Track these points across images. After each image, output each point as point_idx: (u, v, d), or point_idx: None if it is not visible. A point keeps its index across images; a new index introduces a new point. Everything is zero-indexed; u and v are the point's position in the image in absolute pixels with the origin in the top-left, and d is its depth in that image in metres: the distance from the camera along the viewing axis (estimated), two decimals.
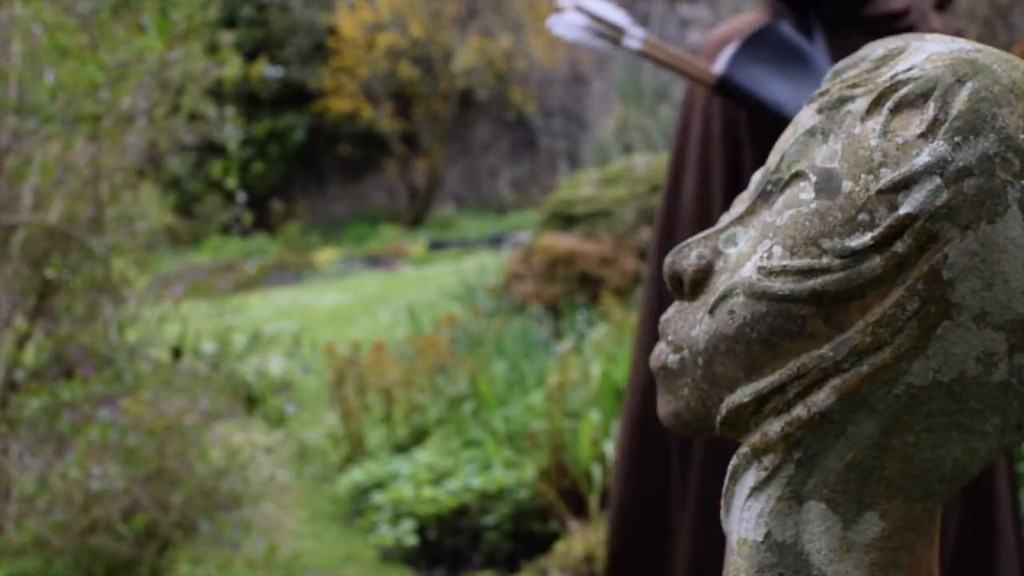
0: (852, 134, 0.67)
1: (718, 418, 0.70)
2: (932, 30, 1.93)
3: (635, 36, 1.83)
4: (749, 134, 1.91)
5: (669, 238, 2.02)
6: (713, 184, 1.97)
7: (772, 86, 1.80)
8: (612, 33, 1.81)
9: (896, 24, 1.90)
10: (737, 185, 1.93)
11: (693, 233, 1.83)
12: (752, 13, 1.96)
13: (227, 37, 3.16)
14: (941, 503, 0.67)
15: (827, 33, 1.89)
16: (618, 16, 1.82)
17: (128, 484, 2.79)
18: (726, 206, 1.84)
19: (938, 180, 0.63)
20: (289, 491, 4.37)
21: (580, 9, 1.80)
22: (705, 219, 1.94)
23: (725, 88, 1.83)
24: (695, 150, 1.98)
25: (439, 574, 3.74)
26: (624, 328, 5.32)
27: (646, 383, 2.04)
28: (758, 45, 1.81)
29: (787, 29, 1.83)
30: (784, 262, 0.66)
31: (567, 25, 1.82)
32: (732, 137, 1.95)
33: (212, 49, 3.36)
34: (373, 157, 14.90)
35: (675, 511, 2.06)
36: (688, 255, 0.73)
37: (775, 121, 1.79)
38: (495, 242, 11.23)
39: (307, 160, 14.82)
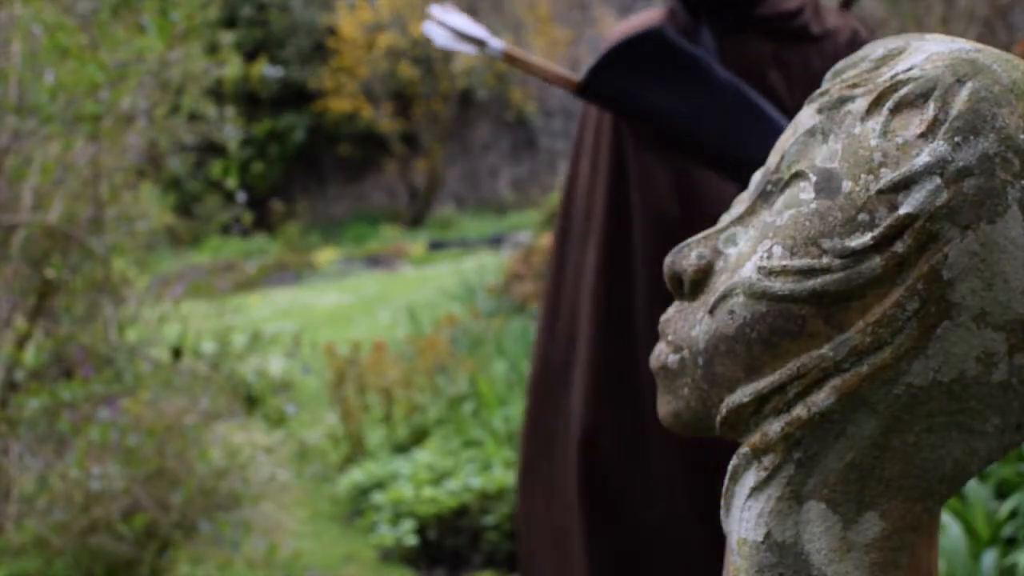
0: (852, 134, 0.67)
1: (718, 418, 0.70)
2: (827, 29, 1.92)
3: (495, 44, 1.85)
4: (632, 139, 1.90)
5: (563, 243, 2.04)
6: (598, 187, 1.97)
7: (653, 91, 1.75)
8: (474, 42, 1.86)
9: (789, 24, 1.88)
10: (622, 188, 1.93)
11: (583, 233, 1.97)
12: (654, 10, 1.91)
13: (227, 37, 3.15)
14: (941, 503, 0.67)
15: (721, 35, 1.86)
16: (476, 29, 1.86)
17: (128, 484, 2.79)
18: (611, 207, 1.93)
19: (938, 180, 0.63)
20: (289, 491, 4.37)
21: (442, 24, 1.86)
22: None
23: (588, 93, 1.80)
24: (587, 157, 1.99)
25: (439, 574, 3.74)
26: None
27: (542, 354, 2.08)
28: (637, 50, 1.74)
29: (673, 33, 1.76)
30: (784, 262, 0.66)
31: (436, 33, 1.88)
32: (619, 146, 1.93)
33: (212, 49, 3.36)
34: (373, 157, 14.90)
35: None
36: (688, 255, 0.72)
37: (651, 125, 1.79)
38: (495, 242, 11.24)
39: (307, 160, 14.82)
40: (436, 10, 1.87)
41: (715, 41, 1.83)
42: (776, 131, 1.68)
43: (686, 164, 1.87)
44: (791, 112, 1.78)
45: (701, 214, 1.77)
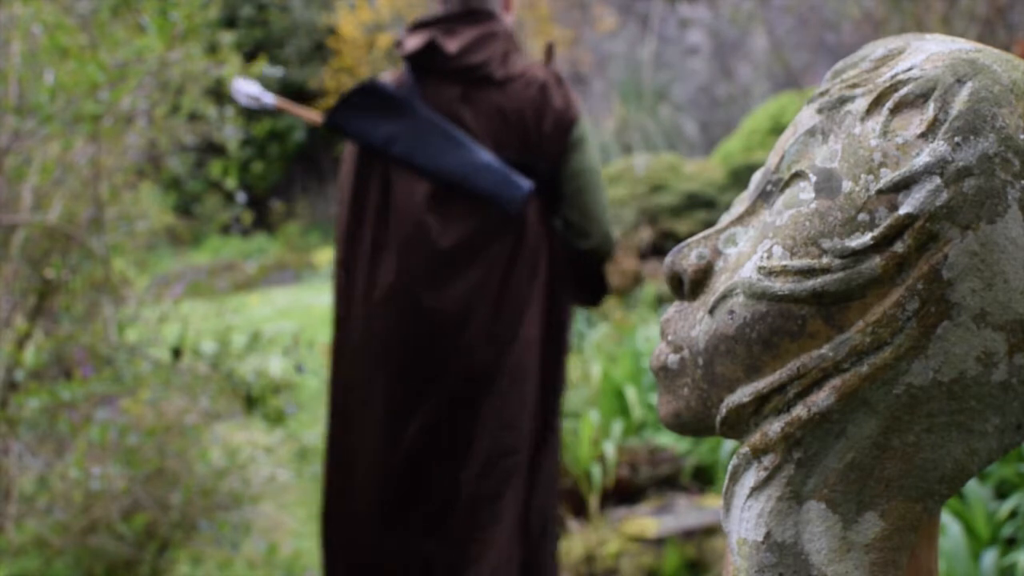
0: (852, 134, 0.67)
1: (718, 418, 0.69)
2: (511, 74, 2.50)
3: (269, 98, 2.88)
4: (363, 156, 2.54)
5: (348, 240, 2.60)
6: (348, 196, 2.57)
7: (372, 125, 2.47)
8: (256, 100, 2.88)
9: (475, 72, 2.48)
10: (364, 195, 2.53)
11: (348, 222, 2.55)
12: (393, 71, 2.64)
13: (227, 37, 3.16)
14: (941, 503, 0.67)
15: (427, 82, 2.50)
16: (256, 89, 2.89)
17: (128, 484, 2.79)
18: (354, 211, 2.53)
19: (938, 180, 0.63)
20: (289, 491, 4.37)
21: (241, 92, 2.88)
22: (351, 220, 2.56)
23: (330, 127, 2.52)
24: (348, 175, 2.59)
25: None
26: (624, 328, 5.32)
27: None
28: (358, 98, 2.49)
29: (384, 84, 2.50)
30: (784, 262, 0.66)
31: (239, 95, 2.90)
32: (363, 163, 2.57)
33: (212, 49, 3.36)
34: None
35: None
36: (688, 255, 0.72)
37: (378, 149, 2.47)
38: None
39: (307, 160, 14.82)
40: (238, 81, 2.92)
41: (419, 87, 2.49)
42: (462, 147, 2.41)
43: (400, 169, 2.49)
44: (478, 135, 2.46)
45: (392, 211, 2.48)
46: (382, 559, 2.47)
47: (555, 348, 2.54)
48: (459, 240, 2.44)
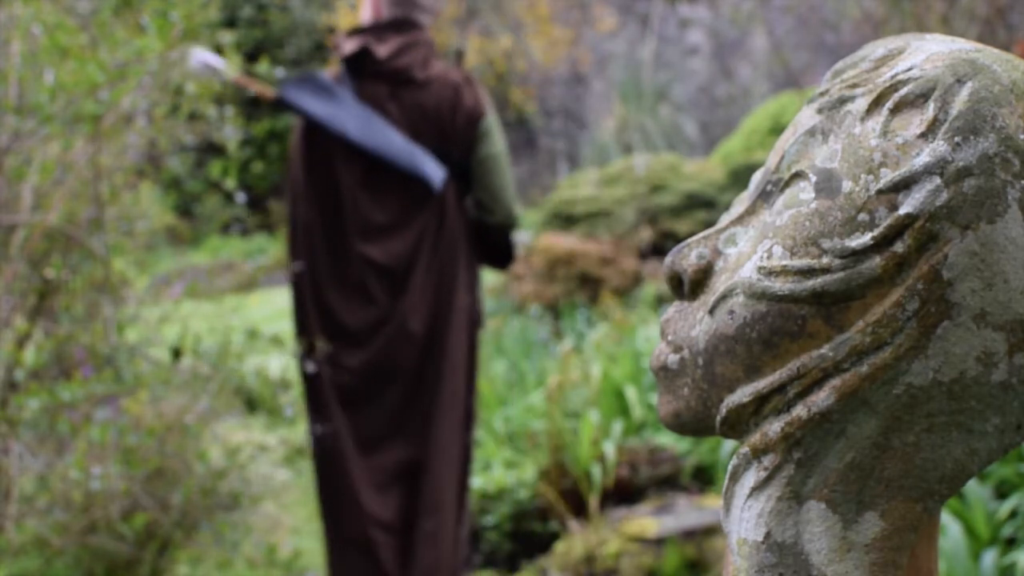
0: (852, 134, 0.67)
1: (718, 418, 0.69)
2: (431, 76, 2.94)
3: (227, 70, 3.02)
4: (308, 137, 2.98)
5: (293, 227, 3.01)
6: (299, 175, 3.00)
7: (317, 104, 2.90)
8: (213, 71, 2.99)
9: (400, 75, 2.92)
10: (312, 171, 2.97)
11: (306, 198, 2.97)
12: (332, 70, 3.05)
13: (227, 37, 3.17)
14: (941, 503, 0.67)
15: (361, 81, 2.93)
16: (216, 60, 3.01)
17: (128, 484, 2.79)
18: (310, 186, 2.96)
19: (938, 180, 0.63)
20: (289, 491, 4.37)
21: (198, 61, 2.98)
22: (296, 199, 3.00)
23: (281, 102, 2.95)
24: (296, 153, 3.01)
25: None
26: (624, 328, 5.32)
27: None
28: (304, 82, 2.96)
29: (323, 76, 2.97)
30: (784, 262, 0.66)
31: (195, 65, 2.98)
32: (308, 142, 3.01)
33: (216, 51, 3.36)
34: None
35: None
36: (688, 255, 0.72)
37: (322, 124, 2.89)
38: None
39: None
40: (198, 51, 3.01)
41: (354, 84, 2.93)
42: (385, 131, 2.86)
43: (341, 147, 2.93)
44: (402, 126, 2.91)
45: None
46: (358, 472, 2.95)
47: (474, 301, 3.06)
48: (390, 215, 2.91)
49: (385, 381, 2.95)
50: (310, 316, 2.98)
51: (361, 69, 2.92)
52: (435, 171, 2.86)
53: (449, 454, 2.96)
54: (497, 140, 2.99)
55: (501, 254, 3.10)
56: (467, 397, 3.04)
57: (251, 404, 5.16)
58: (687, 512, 3.64)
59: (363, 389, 2.94)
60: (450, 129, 2.93)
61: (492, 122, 2.97)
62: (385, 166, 2.87)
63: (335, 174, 2.93)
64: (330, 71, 3.03)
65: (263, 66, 3.19)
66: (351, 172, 2.92)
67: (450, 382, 2.95)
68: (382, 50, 2.90)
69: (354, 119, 2.87)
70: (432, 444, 2.93)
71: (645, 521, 3.56)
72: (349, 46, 2.93)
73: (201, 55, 2.96)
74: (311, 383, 2.98)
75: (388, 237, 2.91)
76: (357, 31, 2.99)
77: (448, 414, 2.95)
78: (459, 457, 3.00)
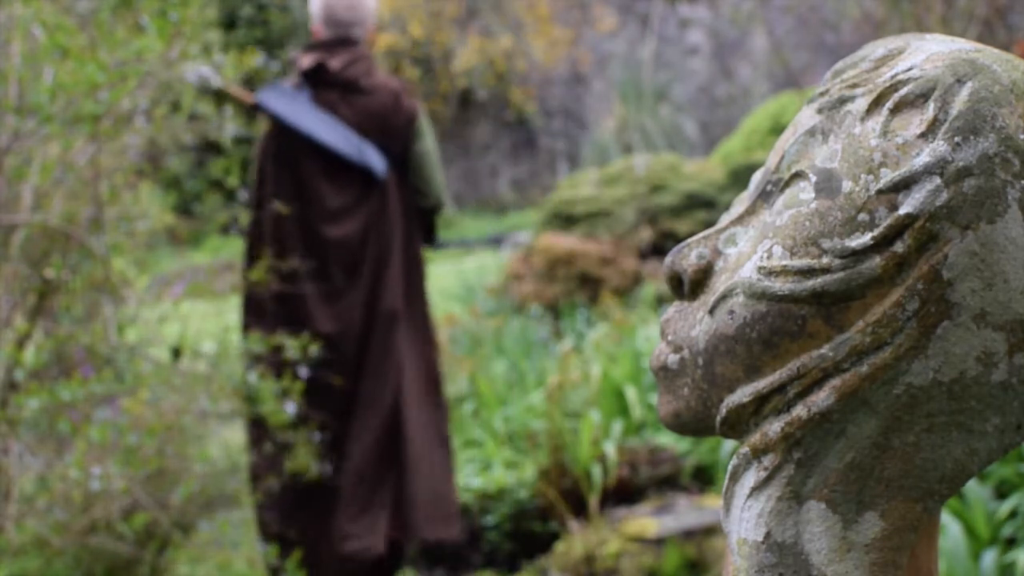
0: (852, 134, 0.67)
1: (718, 418, 0.69)
2: (375, 84, 3.48)
3: (216, 80, 3.27)
4: (278, 138, 3.46)
5: (257, 223, 3.50)
6: (270, 169, 3.48)
7: (286, 108, 3.38)
8: (205, 80, 3.23)
9: (350, 84, 3.43)
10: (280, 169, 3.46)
11: (276, 189, 3.43)
12: (292, 79, 3.56)
13: (215, 37, 3.26)
14: (941, 503, 0.67)
15: (317, 89, 3.42)
16: (207, 71, 3.24)
17: (128, 484, 2.79)
18: (276, 184, 3.43)
19: (938, 180, 0.63)
20: None
21: (194, 73, 3.21)
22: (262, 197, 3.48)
23: (258, 108, 3.41)
24: (267, 151, 3.48)
25: (439, 574, 3.74)
26: (624, 328, 5.31)
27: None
28: (273, 90, 3.45)
29: (284, 86, 3.49)
30: (784, 262, 0.65)
31: (190, 76, 3.24)
32: (275, 144, 3.50)
33: (205, 49, 3.36)
34: None
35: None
36: (688, 255, 0.72)
37: (290, 125, 3.38)
38: (495, 242, 11.22)
39: None
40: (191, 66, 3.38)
41: (311, 91, 3.43)
42: (339, 130, 3.39)
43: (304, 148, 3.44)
44: (352, 125, 3.42)
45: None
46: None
47: (414, 266, 3.58)
48: (345, 199, 3.44)
49: (345, 348, 3.41)
50: (274, 306, 3.45)
51: (317, 80, 3.44)
52: (378, 163, 3.40)
53: (421, 411, 3.40)
54: (429, 138, 3.56)
55: (430, 232, 3.68)
56: (423, 346, 3.56)
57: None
58: (687, 512, 3.64)
59: (327, 360, 3.35)
60: (391, 128, 3.47)
61: (423, 123, 3.55)
62: (340, 160, 3.39)
63: (300, 168, 3.44)
64: (290, 82, 3.55)
65: (255, 57, 3.20)
66: (314, 165, 3.43)
67: (403, 336, 3.47)
68: (335, 63, 3.43)
69: (315, 121, 3.40)
70: (400, 398, 3.38)
71: (645, 521, 3.56)
72: (306, 61, 3.47)
73: (196, 69, 3.23)
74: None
75: (345, 218, 3.44)
76: (311, 47, 3.55)
77: (406, 367, 3.43)
78: (433, 416, 3.45)
